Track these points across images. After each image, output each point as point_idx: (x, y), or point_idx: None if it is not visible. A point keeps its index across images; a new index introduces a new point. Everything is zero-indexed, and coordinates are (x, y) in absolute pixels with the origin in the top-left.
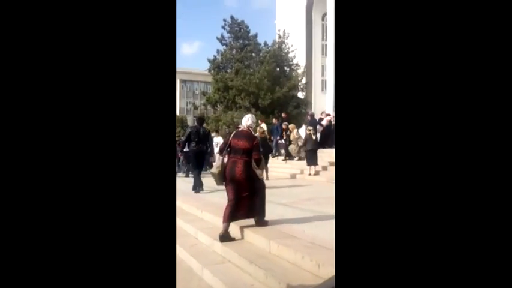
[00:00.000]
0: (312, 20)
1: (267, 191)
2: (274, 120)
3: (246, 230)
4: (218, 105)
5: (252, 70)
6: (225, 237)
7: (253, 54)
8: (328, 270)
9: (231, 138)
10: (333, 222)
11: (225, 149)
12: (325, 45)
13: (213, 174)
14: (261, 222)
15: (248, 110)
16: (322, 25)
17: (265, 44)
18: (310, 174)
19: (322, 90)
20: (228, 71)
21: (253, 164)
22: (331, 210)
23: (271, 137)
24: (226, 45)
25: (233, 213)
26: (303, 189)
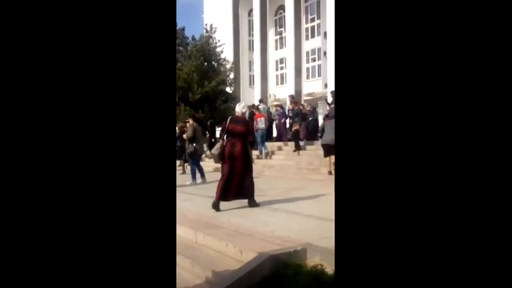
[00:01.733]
0: (238, 15)
1: (196, 186)
2: (187, 124)
3: None
4: None
5: (180, 64)
6: (216, 206)
7: (181, 48)
8: (250, 255)
9: (227, 123)
10: (255, 210)
11: (223, 133)
12: (252, 40)
13: (213, 155)
14: (252, 203)
15: (177, 105)
16: (249, 21)
17: (193, 38)
18: None
19: (250, 85)
20: None
21: (248, 145)
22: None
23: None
24: None
25: (225, 191)
26: None
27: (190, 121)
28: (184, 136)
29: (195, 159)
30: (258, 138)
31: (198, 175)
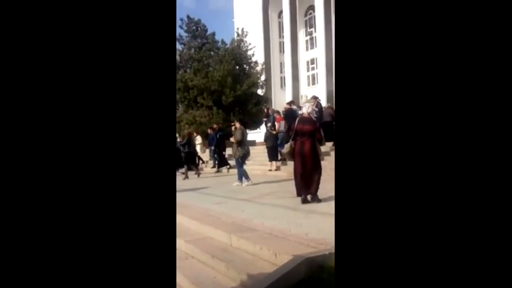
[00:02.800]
0: (268, 18)
1: (228, 188)
2: (209, 131)
3: (207, 227)
4: (179, 106)
5: (211, 69)
6: (306, 201)
7: (212, 53)
8: (285, 258)
9: (296, 124)
10: (290, 213)
11: (292, 133)
12: (283, 42)
13: (283, 154)
14: (315, 198)
15: (210, 109)
16: (279, 23)
17: (223, 42)
18: (271, 170)
19: (282, 86)
20: (188, 71)
21: (317, 143)
22: (289, 202)
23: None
24: (184, 45)
25: (300, 187)
26: (264, 184)
27: (237, 125)
28: (197, 142)
29: (242, 162)
30: (279, 142)
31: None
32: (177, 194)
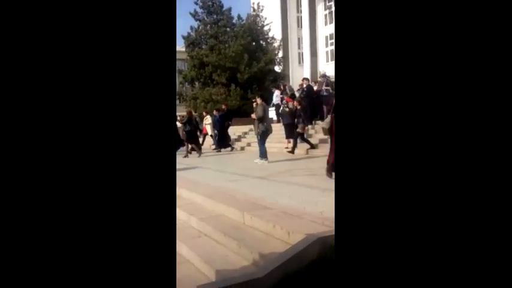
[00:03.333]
0: None
1: (246, 165)
2: (214, 112)
3: (221, 205)
4: (195, 83)
5: (227, 45)
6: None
7: (228, 29)
8: (298, 237)
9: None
10: (305, 191)
11: (332, 109)
12: (301, 17)
13: (323, 129)
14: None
15: (226, 86)
16: None
17: (239, 17)
18: (287, 148)
19: (299, 63)
20: (203, 47)
21: None
22: (305, 180)
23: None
24: (200, 21)
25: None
26: (280, 162)
27: (258, 101)
28: (206, 122)
29: (264, 139)
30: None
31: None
32: (190, 171)
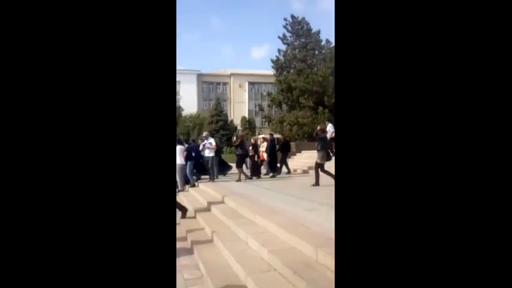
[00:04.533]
0: None
1: (321, 193)
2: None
3: (293, 237)
4: (283, 106)
5: (315, 69)
6: None
7: (316, 52)
8: None
9: None
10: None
11: None
12: None
13: None
14: None
15: (314, 110)
16: None
17: (328, 41)
18: None
19: None
20: (291, 71)
21: None
22: None
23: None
24: (288, 45)
25: None
26: None
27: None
28: (262, 149)
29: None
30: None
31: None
32: (267, 196)
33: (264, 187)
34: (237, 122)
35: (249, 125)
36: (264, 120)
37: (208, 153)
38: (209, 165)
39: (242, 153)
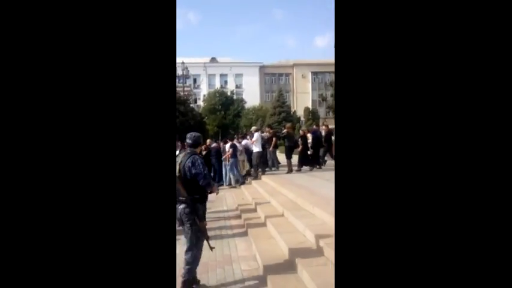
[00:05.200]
0: None
1: None
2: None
3: None
4: None
5: None
6: None
7: None
8: None
9: None
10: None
11: None
12: None
13: None
14: None
15: None
16: None
17: None
18: None
19: None
20: None
21: None
22: None
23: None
24: None
25: None
26: None
27: None
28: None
29: None
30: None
31: None
32: (327, 187)
33: (325, 178)
34: (300, 112)
35: (313, 115)
36: (327, 110)
37: (254, 149)
38: (254, 162)
39: (290, 144)
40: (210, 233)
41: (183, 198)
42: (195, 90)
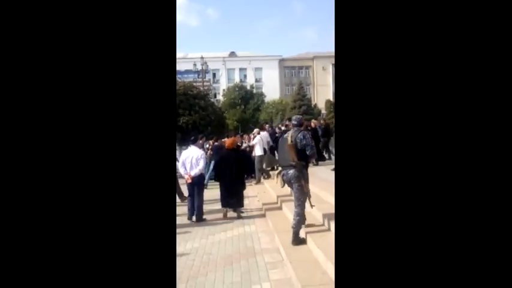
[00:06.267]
0: None
1: None
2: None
3: None
4: None
5: None
6: None
7: None
8: None
9: None
10: None
11: None
12: None
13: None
14: None
15: None
16: None
17: None
18: None
19: None
20: None
21: None
22: None
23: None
24: None
25: None
26: None
27: None
28: None
29: None
30: None
31: None
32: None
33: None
34: (321, 105)
35: (334, 108)
36: None
37: (256, 152)
38: (257, 166)
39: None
40: None
41: (293, 163)
42: (214, 85)
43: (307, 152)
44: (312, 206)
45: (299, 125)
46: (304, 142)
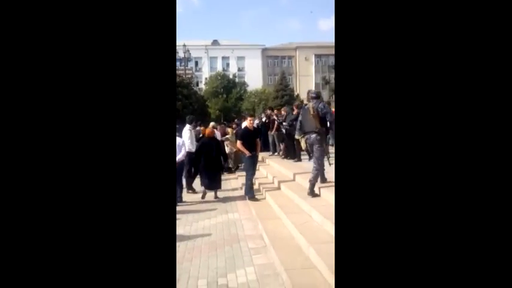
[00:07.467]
0: None
1: None
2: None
3: None
4: None
5: None
6: None
7: None
8: None
9: None
10: None
11: None
12: None
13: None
14: None
15: None
16: None
17: None
18: None
19: None
20: None
21: None
22: None
23: None
24: None
25: None
26: None
27: None
28: None
29: None
30: None
31: None
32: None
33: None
34: (303, 96)
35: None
36: (331, 93)
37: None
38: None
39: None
40: None
41: (317, 129)
42: (196, 73)
43: (327, 118)
44: (330, 164)
45: (317, 97)
46: (325, 110)
